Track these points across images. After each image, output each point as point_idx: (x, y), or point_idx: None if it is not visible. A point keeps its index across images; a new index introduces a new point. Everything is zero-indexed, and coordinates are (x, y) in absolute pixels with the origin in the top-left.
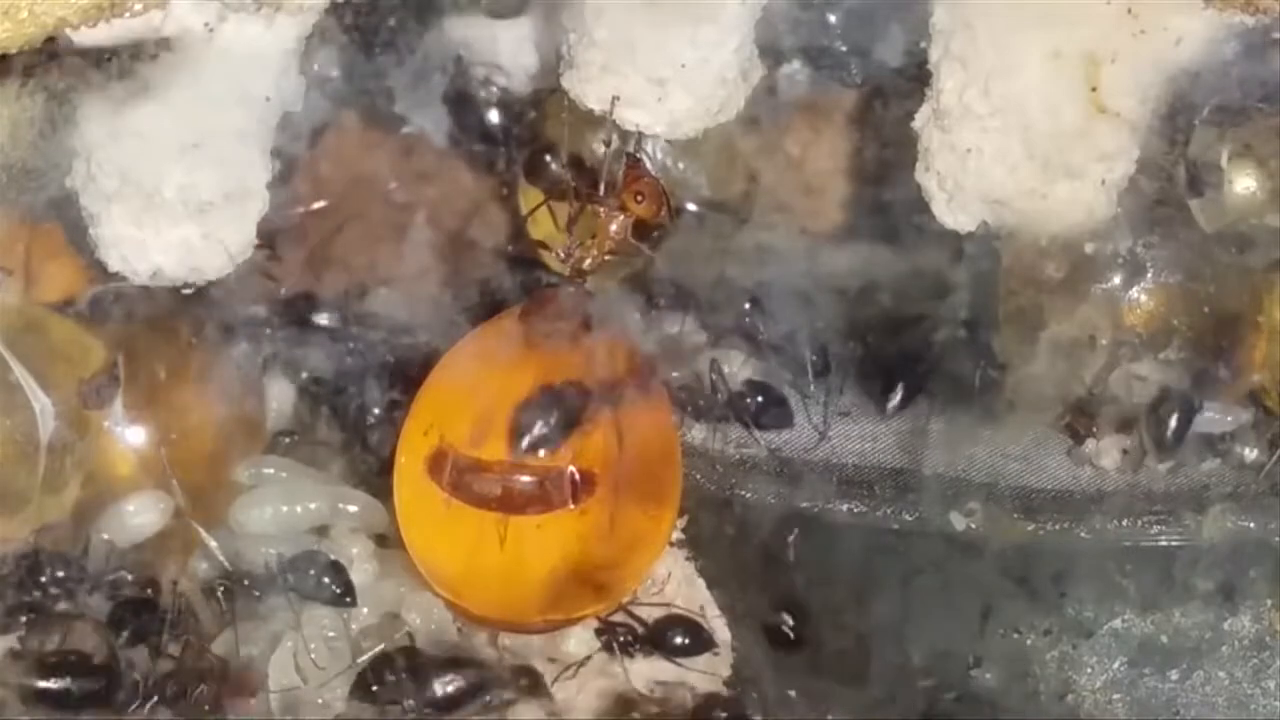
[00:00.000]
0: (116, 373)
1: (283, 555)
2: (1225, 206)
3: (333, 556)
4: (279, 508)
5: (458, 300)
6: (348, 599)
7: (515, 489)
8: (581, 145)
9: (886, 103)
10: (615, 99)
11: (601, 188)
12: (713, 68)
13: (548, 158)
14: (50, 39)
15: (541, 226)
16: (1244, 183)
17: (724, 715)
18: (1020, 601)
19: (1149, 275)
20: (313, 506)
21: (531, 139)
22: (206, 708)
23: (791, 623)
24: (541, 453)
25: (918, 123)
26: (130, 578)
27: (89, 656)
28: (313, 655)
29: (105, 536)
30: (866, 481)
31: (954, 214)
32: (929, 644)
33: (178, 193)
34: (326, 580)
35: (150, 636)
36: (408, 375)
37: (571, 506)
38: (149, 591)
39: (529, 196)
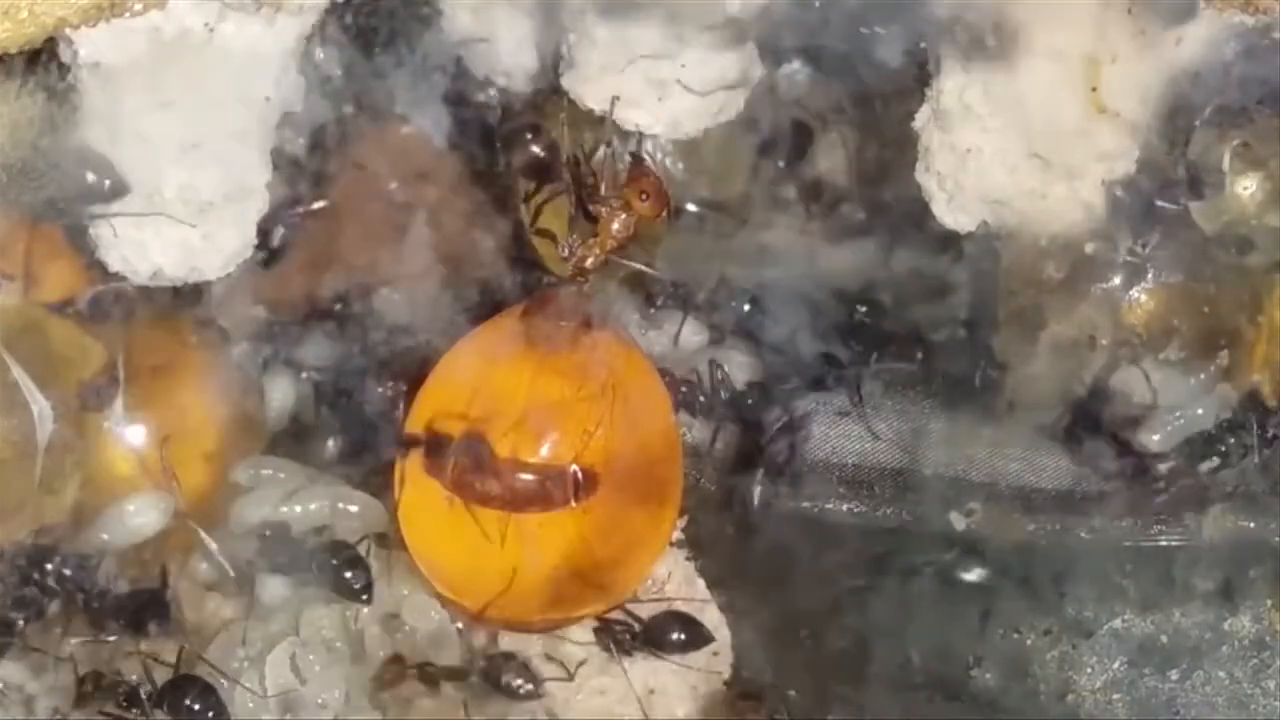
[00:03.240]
0: (116, 373)
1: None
2: (1225, 207)
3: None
4: (279, 508)
5: (458, 300)
6: (364, 597)
7: (517, 487)
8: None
9: (886, 103)
10: (615, 99)
11: (602, 187)
12: (713, 68)
13: (530, 139)
14: (50, 39)
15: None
16: (1244, 183)
17: None
18: (1020, 601)
19: (1149, 275)
20: (313, 507)
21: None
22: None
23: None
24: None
25: (918, 123)
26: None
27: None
28: (311, 656)
29: (105, 536)
30: (866, 481)
31: (954, 214)
32: (929, 644)
33: (178, 193)
34: (348, 575)
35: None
36: (408, 375)
37: (573, 505)
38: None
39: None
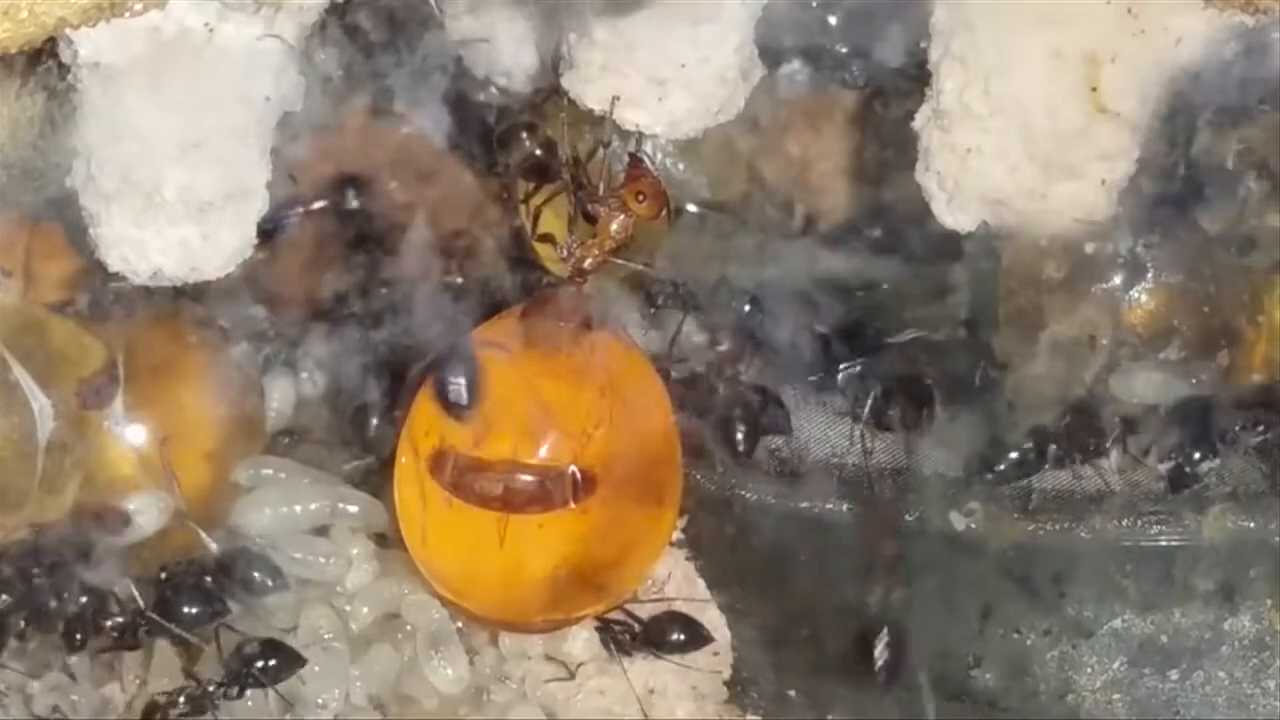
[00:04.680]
0: (116, 372)
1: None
2: (1227, 207)
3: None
4: (279, 508)
5: (458, 300)
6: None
7: (516, 488)
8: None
9: (886, 103)
10: (615, 99)
11: (601, 187)
12: (713, 68)
13: (526, 137)
14: (50, 39)
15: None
16: (1245, 183)
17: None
18: (1020, 601)
19: (1149, 275)
20: (313, 507)
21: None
22: None
23: None
24: None
25: (918, 123)
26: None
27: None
28: (310, 656)
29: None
30: (866, 481)
31: (954, 214)
32: (929, 644)
33: (178, 193)
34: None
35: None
36: (408, 375)
37: (572, 506)
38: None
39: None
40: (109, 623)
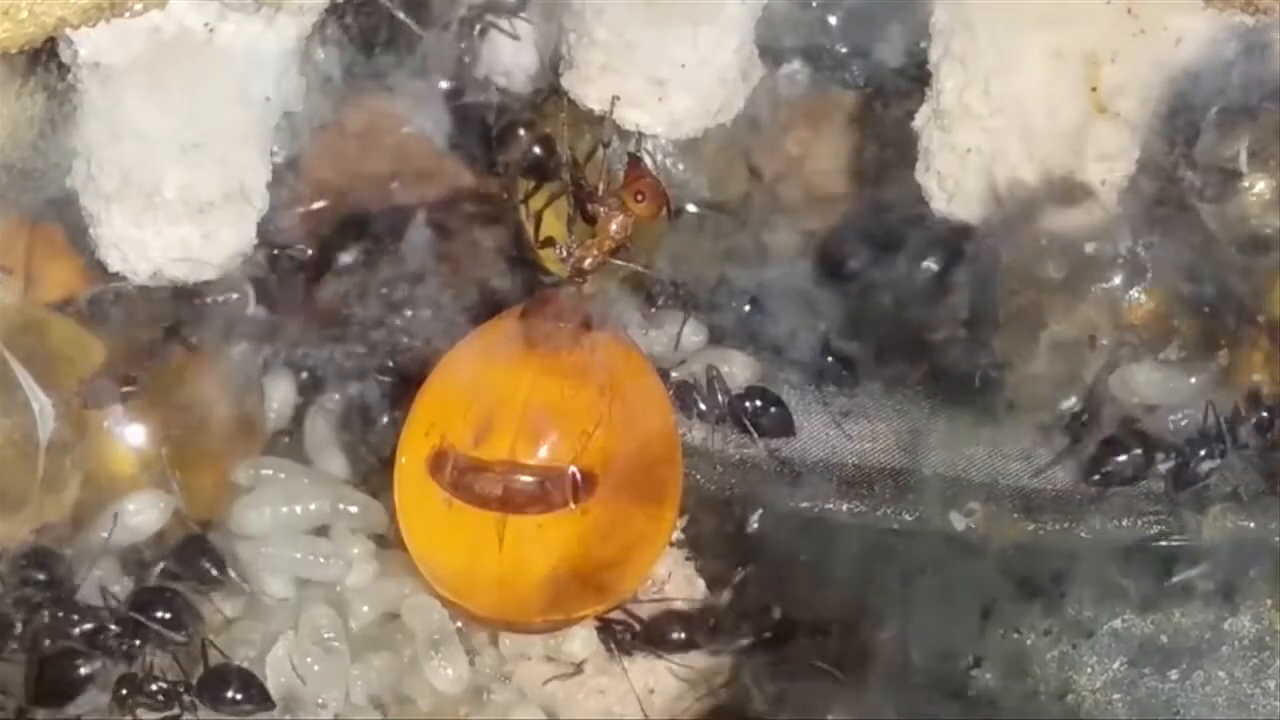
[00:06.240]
0: (116, 373)
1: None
2: (1238, 208)
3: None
4: (279, 508)
5: (458, 300)
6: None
7: (516, 489)
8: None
9: (886, 103)
10: (615, 99)
11: (600, 187)
12: (713, 68)
13: (523, 135)
14: (50, 39)
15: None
16: (1249, 183)
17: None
18: (1020, 601)
19: (1149, 275)
20: (313, 507)
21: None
22: None
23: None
24: None
25: (918, 123)
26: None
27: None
28: (310, 657)
29: (105, 536)
30: (866, 481)
31: (954, 214)
32: (929, 644)
33: (178, 193)
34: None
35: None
36: (408, 375)
37: (572, 507)
38: None
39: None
40: (75, 631)
